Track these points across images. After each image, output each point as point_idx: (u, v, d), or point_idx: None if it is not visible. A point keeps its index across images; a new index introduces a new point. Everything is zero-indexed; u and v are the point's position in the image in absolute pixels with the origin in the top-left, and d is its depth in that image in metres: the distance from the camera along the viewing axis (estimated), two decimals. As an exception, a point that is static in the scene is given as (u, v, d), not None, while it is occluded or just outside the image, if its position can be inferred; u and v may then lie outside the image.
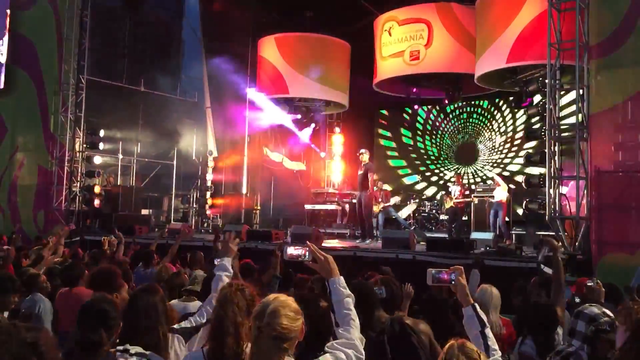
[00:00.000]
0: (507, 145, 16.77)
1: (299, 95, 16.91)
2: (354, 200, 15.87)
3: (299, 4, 16.74)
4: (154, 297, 3.05)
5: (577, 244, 8.60)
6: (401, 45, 14.82)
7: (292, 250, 2.78)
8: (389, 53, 15.16)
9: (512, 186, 13.98)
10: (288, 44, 16.59)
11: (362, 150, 12.36)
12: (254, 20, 17.64)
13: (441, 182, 17.52)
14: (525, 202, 10.16)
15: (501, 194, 12.83)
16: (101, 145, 16.09)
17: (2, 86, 17.27)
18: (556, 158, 9.12)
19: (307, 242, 2.79)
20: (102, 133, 16.09)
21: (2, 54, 17.44)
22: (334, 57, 16.65)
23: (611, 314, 3.06)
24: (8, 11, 17.25)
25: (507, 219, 12.91)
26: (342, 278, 2.65)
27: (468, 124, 17.76)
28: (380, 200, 14.73)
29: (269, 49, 16.82)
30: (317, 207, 16.69)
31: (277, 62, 16.54)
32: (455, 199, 13.37)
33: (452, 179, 13.78)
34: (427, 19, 14.48)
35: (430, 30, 14.40)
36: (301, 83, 16.39)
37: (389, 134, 19.42)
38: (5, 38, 17.30)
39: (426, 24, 14.47)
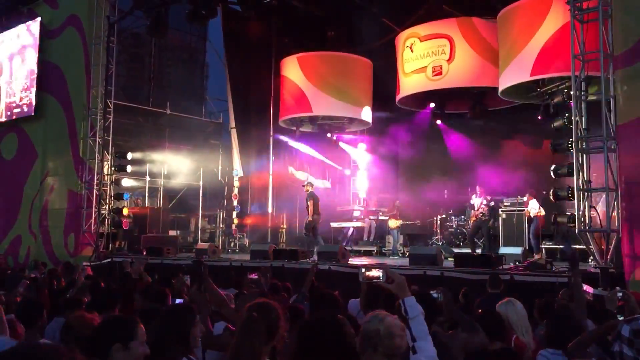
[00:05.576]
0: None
1: (322, 114, 16.99)
2: (381, 217, 15.94)
3: (321, 24, 16.92)
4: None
5: (608, 257, 8.43)
6: (423, 61, 14.83)
7: (369, 272, 2.88)
8: (412, 69, 15.18)
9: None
10: (310, 63, 16.72)
11: (306, 182, 14.61)
12: (276, 41, 17.86)
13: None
14: (554, 215, 9.99)
15: (536, 207, 12.63)
16: (129, 168, 16.31)
17: (33, 113, 17.70)
18: (584, 170, 8.98)
19: (384, 263, 2.91)
20: (129, 156, 16.31)
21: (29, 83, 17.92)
22: (356, 75, 16.72)
23: None
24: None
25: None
26: (413, 297, 2.79)
27: (492, 137, 17.58)
28: (398, 216, 14.83)
29: (292, 68, 16.97)
30: (343, 224, 16.66)
31: (300, 82, 16.67)
32: (476, 210, 13.18)
33: (477, 190, 13.55)
34: (449, 34, 14.47)
35: (452, 45, 14.38)
36: (324, 101, 16.48)
37: (412, 149, 19.31)
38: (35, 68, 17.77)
39: (448, 39, 14.46)
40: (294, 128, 17.64)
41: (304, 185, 14.50)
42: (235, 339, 2.78)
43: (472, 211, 13.56)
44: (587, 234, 8.79)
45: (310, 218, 13.76)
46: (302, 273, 7.54)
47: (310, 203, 13.80)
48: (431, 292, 4.42)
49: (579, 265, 4.56)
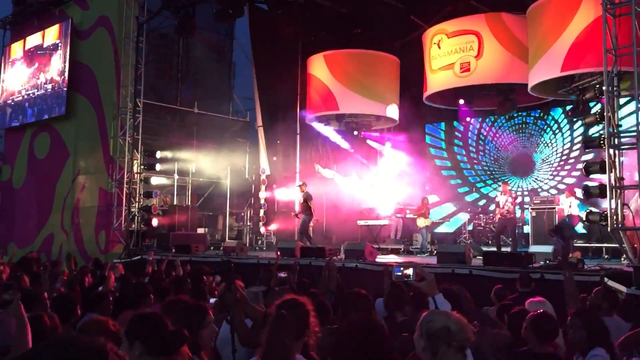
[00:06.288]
0: (564, 156, 16.36)
1: (348, 111, 16.96)
2: (408, 215, 15.86)
3: (347, 22, 16.88)
4: None
5: (642, 255, 8.25)
6: (451, 58, 14.69)
7: (402, 271, 2.97)
8: (439, 66, 15.05)
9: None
10: (337, 61, 16.71)
11: (300, 183, 15.01)
12: (303, 39, 17.88)
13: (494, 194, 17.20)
14: (585, 213, 9.83)
15: (570, 204, 12.43)
16: (158, 167, 16.50)
17: (64, 112, 18.03)
18: (617, 167, 8.80)
19: (414, 262, 2.93)
20: (158, 154, 16.50)
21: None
22: (383, 72, 16.65)
23: None
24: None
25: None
26: (441, 294, 2.90)
27: (523, 134, 17.41)
28: (427, 215, 14.76)
29: (318, 66, 16.97)
30: (370, 222, 16.62)
31: (326, 79, 16.66)
32: (502, 208, 12.99)
33: (499, 189, 13.38)
34: (477, 30, 14.32)
35: (480, 41, 14.23)
36: (351, 99, 16.45)
37: (440, 148, 19.23)
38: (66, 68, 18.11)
39: (476, 35, 14.31)
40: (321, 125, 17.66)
41: (299, 186, 14.79)
42: (266, 336, 2.80)
43: (497, 209, 13.39)
44: (620, 232, 8.63)
45: (315, 218, 14.24)
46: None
47: (311, 203, 14.17)
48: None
49: (568, 260, 4.52)
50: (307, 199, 14.22)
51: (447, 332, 2.44)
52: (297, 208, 15.08)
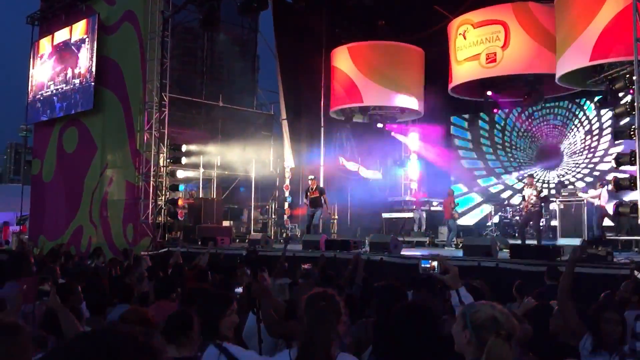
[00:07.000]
0: (594, 147, 16.09)
1: (373, 104, 16.90)
2: (433, 208, 15.77)
3: (371, 14, 16.79)
4: None
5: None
6: (477, 48, 14.52)
7: (430, 263, 2.99)
8: (464, 57, 14.89)
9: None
10: (361, 53, 16.64)
11: (312, 177, 14.85)
12: (327, 32, 17.84)
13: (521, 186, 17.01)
14: (615, 205, 9.66)
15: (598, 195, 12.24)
16: (183, 160, 16.64)
17: (92, 107, 18.28)
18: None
19: (439, 255, 2.95)
20: (184, 148, 16.64)
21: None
22: (408, 64, 16.54)
23: None
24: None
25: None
26: (464, 287, 2.91)
27: (550, 126, 17.16)
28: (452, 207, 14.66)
29: (342, 59, 16.92)
30: (395, 215, 16.56)
31: (350, 72, 16.61)
32: (527, 201, 12.81)
33: (525, 181, 13.19)
34: (503, 20, 14.12)
35: (506, 31, 14.03)
36: (375, 91, 16.38)
37: (465, 139, 19.05)
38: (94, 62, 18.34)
39: (502, 25, 14.11)
40: (343, 118, 17.62)
41: (310, 180, 14.78)
42: (306, 328, 2.80)
43: (523, 202, 13.24)
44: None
45: (329, 212, 14.05)
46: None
47: (325, 197, 14.21)
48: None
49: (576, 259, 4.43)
50: (322, 193, 14.30)
51: (494, 321, 2.38)
52: (306, 200, 14.96)
